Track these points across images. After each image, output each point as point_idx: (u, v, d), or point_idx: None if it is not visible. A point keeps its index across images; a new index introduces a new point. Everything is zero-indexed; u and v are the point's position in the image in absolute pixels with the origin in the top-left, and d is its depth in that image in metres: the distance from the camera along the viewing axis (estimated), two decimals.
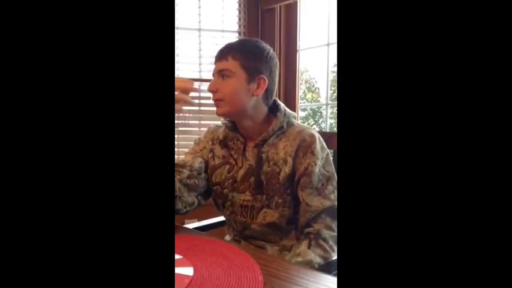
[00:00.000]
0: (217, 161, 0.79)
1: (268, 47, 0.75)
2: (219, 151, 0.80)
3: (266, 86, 0.73)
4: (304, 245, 0.69)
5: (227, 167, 0.78)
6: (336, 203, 0.71)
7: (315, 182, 0.71)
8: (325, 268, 0.73)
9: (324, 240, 0.69)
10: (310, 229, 0.71)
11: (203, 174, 0.79)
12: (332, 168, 0.74)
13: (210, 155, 0.80)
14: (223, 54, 0.72)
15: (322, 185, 0.72)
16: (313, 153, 0.71)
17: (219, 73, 0.72)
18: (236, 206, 0.78)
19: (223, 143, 0.80)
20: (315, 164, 0.71)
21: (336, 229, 0.70)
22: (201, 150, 0.81)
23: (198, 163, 0.79)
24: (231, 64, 0.71)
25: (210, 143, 0.81)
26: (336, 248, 0.69)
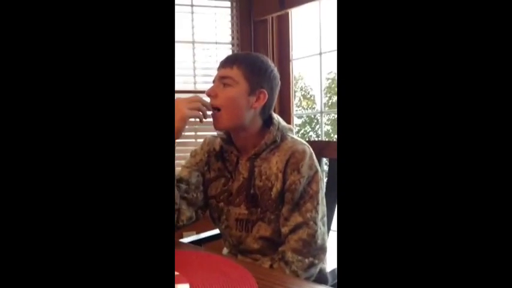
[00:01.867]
0: (212, 174, 0.79)
1: (273, 66, 0.76)
2: (215, 164, 0.80)
3: (265, 100, 0.73)
4: (266, 265, 0.70)
5: (222, 180, 0.78)
6: (311, 222, 0.69)
7: (295, 199, 0.71)
8: (321, 279, 0.73)
9: (286, 263, 0.68)
10: (280, 248, 0.70)
11: (201, 188, 0.79)
12: (318, 187, 0.72)
13: (206, 168, 0.80)
14: (229, 62, 0.72)
15: (304, 202, 0.71)
16: (299, 171, 0.71)
17: (221, 80, 0.72)
18: (231, 220, 0.77)
19: (219, 155, 0.80)
20: (299, 183, 0.70)
21: (304, 252, 0.68)
22: (197, 163, 0.81)
23: (195, 177, 0.79)
24: (235, 73, 0.71)
25: (206, 155, 0.81)
26: (301, 273, 0.67)
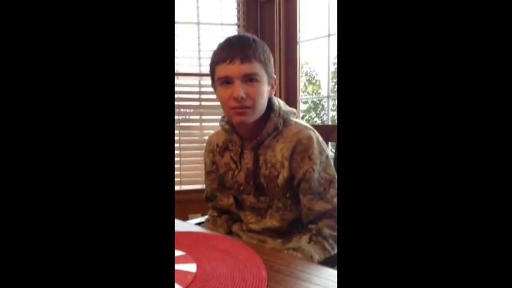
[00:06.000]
0: (221, 170, 0.80)
1: None
2: (220, 160, 0.80)
3: (276, 86, 0.72)
4: (304, 240, 0.69)
5: (230, 173, 0.79)
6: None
7: (315, 187, 0.70)
8: (327, 262, 0.73)
9: (324, 238, 0.68)
10: (313, 226, 0.71)
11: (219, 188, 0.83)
12: (333, 170, 0.72)
13: (214, 167, 0.81)
14: (248, 56, 0.65)
15: (324, 189, 0.70)
16: (310, 158, 0.69)
17: (246, 77, 0.65)
18: (246, 206, 0.79)
19: (223, 148, 0.79)
20: (313, 170, 0.69)
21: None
22: (208, 171, 0.84)
23: (211, 184, 0.84)
24: (257, 67, 0.66)
25: (211, 155, 0.82)
26: (336, 247, 0.69)
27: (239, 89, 0.65)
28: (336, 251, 0.68)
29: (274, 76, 0.73)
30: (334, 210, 0.70)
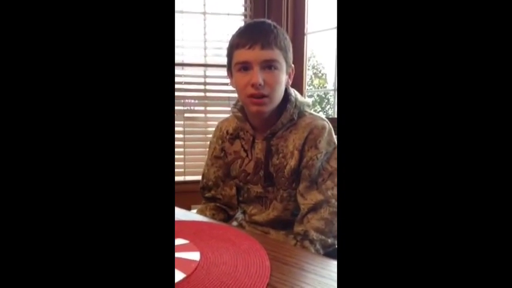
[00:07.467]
0: (229, 158, 0.79)
1: None
2: (230, 148, 0.79)
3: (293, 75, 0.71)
4: (292, 243, 0.69)
5: (238, 161, 0.78)
6: (332, 200, 0.67)
7: (313, 176, 0.68)
8: (333, 254, 0.72)
9: (311, 242, 0.66)
10: (299, 229, 0.68)
11: (223, 179, 0.82)
12: (336, 164, 0.70)
13: (222, 154, 0.80)
14: (269, 43, 0.63)
15: (323, 179, 0.68)
16: (316, 147, 0.68)
17: (265, 64, 0.64)
18: (252, 196, 0.78)
19: (234, 136, 0.78)
20: (317, 158, 0.68)
21: (326, 231, 0.67)
22: (215, 156, 0.81)
23: (214, 173, 0.81)
24: (278, 54, 0.64)
25: (220, 141, 0.80)
26: (322, 252, 0.66)
27: (258, 75, 0.63)
28: (322, 254, 0.66)
29: (292, 65, 0.70)
30: (326, 202, 0.67)
